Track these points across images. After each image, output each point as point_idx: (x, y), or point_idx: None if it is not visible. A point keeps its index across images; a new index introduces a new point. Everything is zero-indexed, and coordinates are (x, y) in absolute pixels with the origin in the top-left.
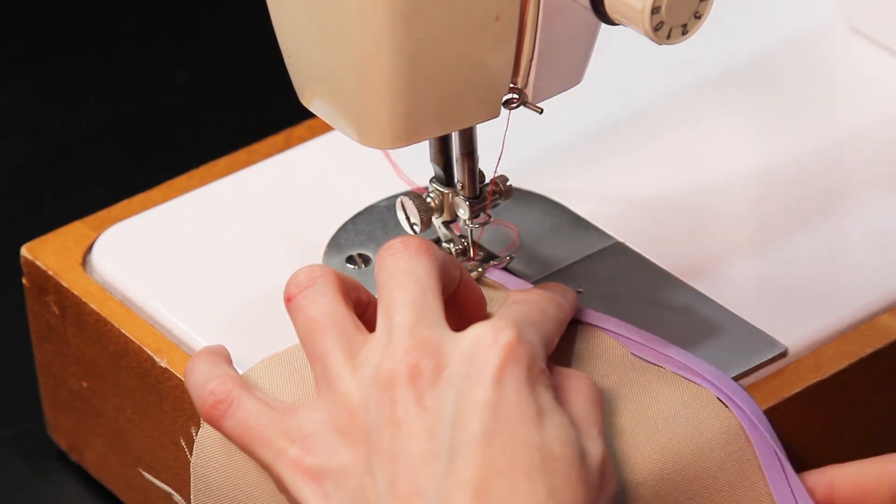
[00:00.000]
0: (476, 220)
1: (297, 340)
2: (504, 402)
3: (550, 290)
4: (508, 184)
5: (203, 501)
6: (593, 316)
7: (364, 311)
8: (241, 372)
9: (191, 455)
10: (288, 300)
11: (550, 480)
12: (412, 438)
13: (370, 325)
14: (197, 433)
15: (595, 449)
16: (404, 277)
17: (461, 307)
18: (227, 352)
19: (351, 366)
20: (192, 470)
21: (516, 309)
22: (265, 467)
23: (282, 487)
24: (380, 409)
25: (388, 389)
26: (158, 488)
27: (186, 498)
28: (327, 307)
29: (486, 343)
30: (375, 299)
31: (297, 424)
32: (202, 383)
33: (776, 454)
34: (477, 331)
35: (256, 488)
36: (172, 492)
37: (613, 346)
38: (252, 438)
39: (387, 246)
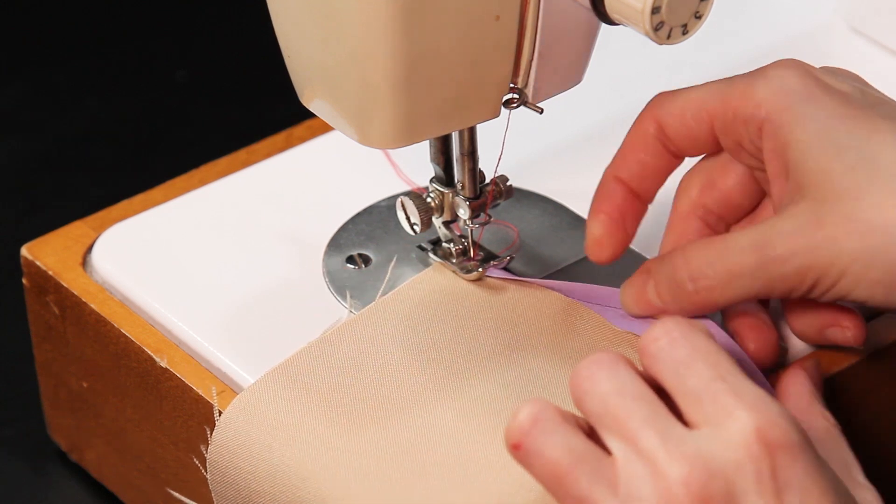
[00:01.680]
0: (476, 220)
1: (297, 343)
2: (805, 496)
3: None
4: (508, 184)
5: None
6: (598, 294)
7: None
8: (242, 387)
9: (205, 471)
10: (515, 448)
11: None
12: None
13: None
14: (207, 450)
15: (870, 495)
16: (620, 397)
17: None
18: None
19: (619, 503)
20: (210, 486)
21: (704, 372)
22: None
23: None
24: None
25: None
26: (158, 489)
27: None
28: (564, 444)
29: (757, 451)
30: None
31: None
32: None
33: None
34: (736, 434)
35: (291, 497)
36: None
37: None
38: None
39: (576, 372)
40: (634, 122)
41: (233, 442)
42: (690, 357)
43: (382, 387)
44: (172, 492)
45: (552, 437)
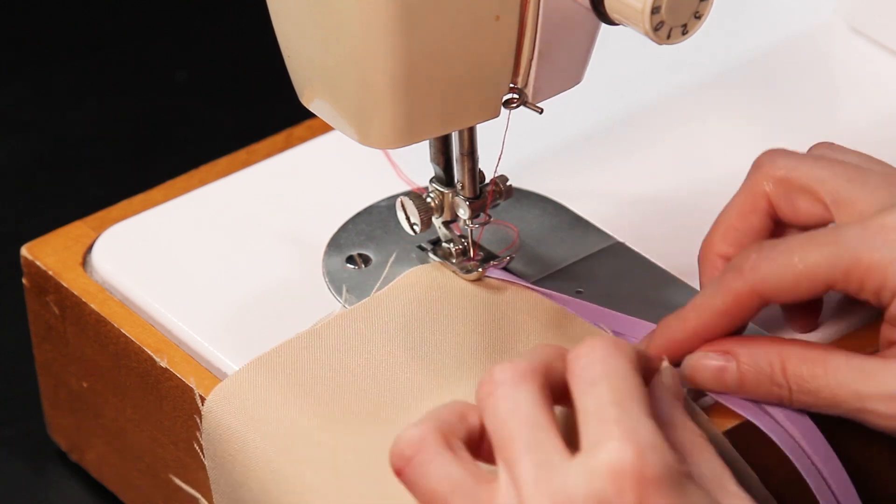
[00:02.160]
0: (476, 220)
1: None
2: None
3: (599, 342)
4: (508, 184)
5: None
6: (594, 312)
7: (479, 440)
8: (226, 376)
9: (204, 457)
10: (398, 473)
11: None
12: None
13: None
14: (201, 437)
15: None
16: (510, 420)
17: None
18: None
19: None
20: (209, 473)
21: (604, 395)
22: None
23: None
24: None
25: None
26: (158, 489)
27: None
28: (442, 473)
29: (618, 476)
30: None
31: None
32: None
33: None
34: (599, 460)
35: (262, 488)
36: (199, 496)
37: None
38: None
39: (481, 384)
40: (730, 297)
41: (216, 431)
42: (599, 377)
43: (365, 382)
44: (174, 478)
45: (431, 467)
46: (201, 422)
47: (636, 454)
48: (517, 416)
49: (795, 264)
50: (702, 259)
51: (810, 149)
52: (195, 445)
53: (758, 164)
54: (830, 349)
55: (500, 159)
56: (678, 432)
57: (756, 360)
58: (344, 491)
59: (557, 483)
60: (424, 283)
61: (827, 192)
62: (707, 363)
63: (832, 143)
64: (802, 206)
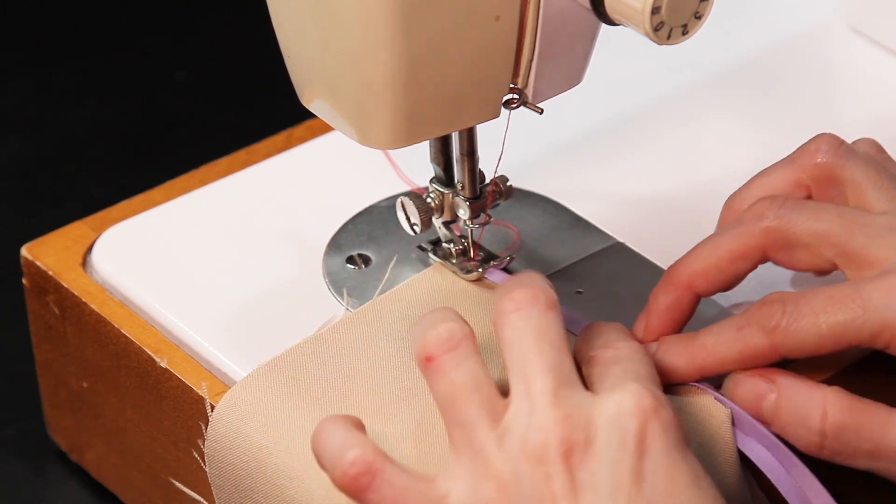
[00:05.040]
0: (476, 221)
1: (291, 343)
2: (660, 470)
3: (615, 331)
4: (508, 184)
5: None
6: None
7: None
8: (235, 381)
9: (204, 465)
10: (427, 359)
11: None
12: None
13: None
14: (204, 444)
15: None
16: (538, 338)
17: None
18: (361, 422)
19: (495, 435)
20: (210, 480)
21: (629, 368)
22: None
23: None
24: (533, 485)
25: (540, 464)
26: (158, 489)
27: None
28: (472, 373)
29: (631, 410)
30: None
31: (443, 496)
32: (339, 451)
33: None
34: (619, 398)
35: (278, 493)
36: (201, 499)
37: None
38: None
39: (509, 299)
40: (748, 351)
41: (225, 437)
42: (624, 357)
43: (374, 385)
44: (175, 481)
45: (464, 363)
46: (206, 427)
47: (654, 399)
48: (544, 336)
49: (820, 326)
50: (669, 284)
51: (854, 143)
52: (195, 451)
53: (757, 214)
54: (875, 403)
55: (500, 159)
56: None
57: (802, 399)
58: None
59: (574, 402)
60: (426, 286)
61: (831, 246)
62: (751, 384)
63: (876, 143)
64: (802, 258)
